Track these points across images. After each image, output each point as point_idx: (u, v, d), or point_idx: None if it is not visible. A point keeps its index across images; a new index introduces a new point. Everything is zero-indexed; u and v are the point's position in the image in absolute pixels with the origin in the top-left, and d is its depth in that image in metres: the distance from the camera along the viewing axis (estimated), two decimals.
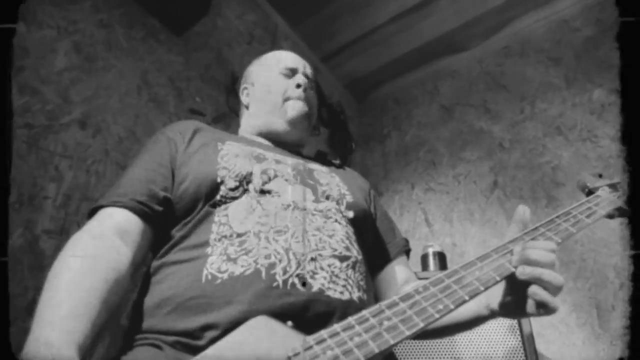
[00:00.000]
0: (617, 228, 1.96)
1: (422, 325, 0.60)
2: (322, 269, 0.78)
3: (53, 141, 1.32)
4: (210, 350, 0.59)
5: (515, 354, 1.40)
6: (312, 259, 0.78)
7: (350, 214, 0.96)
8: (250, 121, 1.21)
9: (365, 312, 0.61)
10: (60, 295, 0.67)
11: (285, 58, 1.24)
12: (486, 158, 2.57)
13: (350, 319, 0.60)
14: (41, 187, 1.25)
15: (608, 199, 0.95)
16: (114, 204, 0.85)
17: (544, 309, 0.71)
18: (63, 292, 0.68)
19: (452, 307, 0.64)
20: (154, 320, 0.76)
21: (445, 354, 1.40)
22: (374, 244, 1.07)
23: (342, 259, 0.82)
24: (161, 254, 0.86)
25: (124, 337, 0.82)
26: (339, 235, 0.86)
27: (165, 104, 1.74)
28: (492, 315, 0.83)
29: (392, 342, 0.57)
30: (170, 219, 0.89)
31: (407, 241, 1.15)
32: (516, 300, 0.76)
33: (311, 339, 0.57)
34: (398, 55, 2.97)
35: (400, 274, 1.06)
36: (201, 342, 0.68)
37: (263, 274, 0.73)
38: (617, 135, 2.15)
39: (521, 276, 0.71)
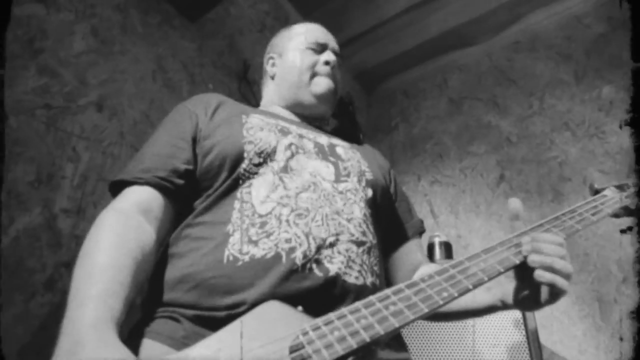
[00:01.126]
0: (622, 223, 1.98)
1: (426, 310, 0.63)
2: (339, 253, 0.79)
3: (71, 122, 1.35)
4: (222, 332, 0.62)
5: (519, 346, 1.43)
6: (331, 244, 0.79)
7: (370, 192, 0.98)
8: (275, 92, 1.20)
9: (372, 297, 0.64)
10: (95, 274, 0.68)
11: (316, 32, 1.23)
12: (493, 152, 2.59)
13: (358, 303, 0.63)
14: (59, 166, 1.28)
15: (614, 198, 0.97)
16: (137, 181, 0.86)
17: (554, 291, 0.75)
18: (97, 271, 0.69)
19: (456, 295, 0.67)
20: (174, 294, 0.78)
21: (451, 340, 1.43)
22: (391, 223, 1.08)
23: (359, 244, 0.84)
24: (183, 225, 0.88)
25: (143, 307, 0.84)
26: (357, 219, 0.88)
27: (178, 90, 1.76)
28: (505, 307, 0.86)
29: (397, 325, 0.60)
30: (192, 191, 0.91)
31: (422, 222, 1.16)
32: (529, 293, 0.79)
33: (320, 320, 0.61)
34: (407, 48, 2.98)
35: (414, 255, 1.09)
36: (222, 314, 0.71)
37: (283, 258, 0.75)
38: (626, 131, 2.16)
39: (532, 264, 0.74)
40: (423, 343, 1.44)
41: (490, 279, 0.71)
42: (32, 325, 1.10)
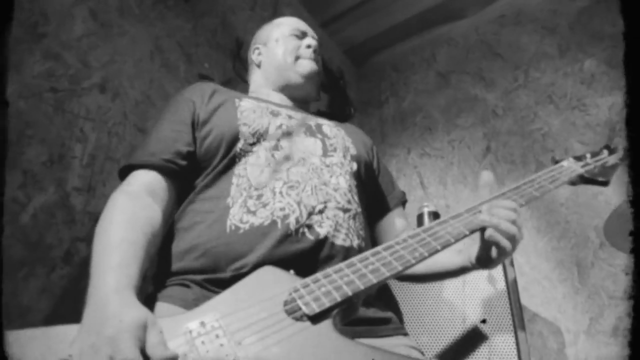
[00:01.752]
0: (599, 192, 2.09)
1: (400, 268, 0.74)
2: (327, 218, 0.90)
3: (77, 104, 1.40)
4: (226, 293, 0.72)
5: (502, 309, 1.53)
6: (320, 211, 0.90)
7: (354, 166, 1.08)
8: (262, 77, 1.30)
9: (353, 259, 0.75)
10: (112, 248, 0.77)
11: (297, 22, 1.36)
12: (480, 125, 2.68)
13: (341, 264, 0.75)
14: (69, 147, 1.34)
15: (570, 167, 1.08)
16: (144, 165, 0.96)
17: (499, 250, 0.86)
18: (113, 245, 0.77)
19: (426, 254, 0.77)
20: (183, 263, 0.88)
21: (434, 298, 1.54)
22: (375, 195, 1.19)
23: (345, 210, 0.95)
24: (187, 202, 0.98)
25: (154, 280, 0.94)
26: (343, 189, 0.98)
27: (176, 69, 1.81)
28: (474, 267, 0.97)
29: (374, 280, 0.71)
30: (194, 170, 1.01)
31: (404, 194, 1.28)
32: (484, 252, 0.90)
33: (308, 279, 0.73)
34: (397, 22, 3.01)
35: (398, 223, 1.20)
36: (227, 275, 0.82)
37: (279, 224, 0.86)
38: (605, 104, 2.26)
39: (483, 223, 0.85)
40: (415, 305, 1.56)
41: (456, 240, 0.81)
42: (55, 295, 1.19)
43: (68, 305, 1.20)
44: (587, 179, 1.08)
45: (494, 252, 0.88)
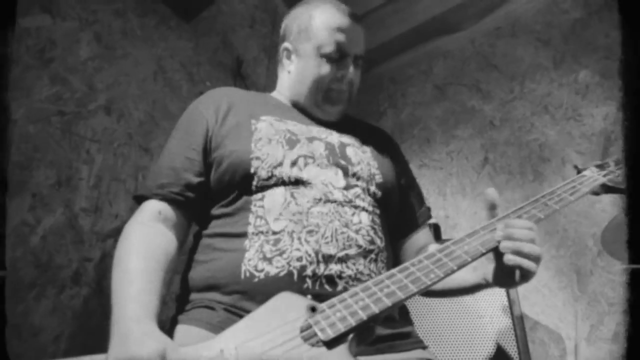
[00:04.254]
0: (597, 200, 2.13)
1: (415, 290, 0.74)
2: (348, 267, 0.87)
3: (83, 127, 1.44)
4: (244, 320, 0.73)
5: (504, 320, 1.56)
6: (340, 260, 0.87)
7: (379, 194, 1.03)
8: (289, 89, 1.18)
9: (369, 283, 0.76)
10: (130, 277, 0.79)
11: (336, 34, 1.11)
12: (477, 136, 2.71)
13: (356, 288, 0.75)
14: (76, 169, 1.38)
15: (592, 177, 1.04)
16: (154, 197, 0.97)
17: (523, 273, 0.83)
18: (132, 274, 0.80)
19: (442, 275, 0.76)
20: (203, 294, 0.89)
21: (444, 312, 1.56)
22: (401, 213, 1.13)
23: (366, 255, 0.92)
24: (204, 233, 0.97)
25: (177, 302, 0.95)
26: (365, 229, 0.95)
27: (179, 89, 1.85)
28: (488, 285, 0.95)
29: (389, 304, 0.71)
30: (207, 198, 1.00)
31: (429, 209, 1.22)
32: (504, 273, 0.87)
33: (324, 304, 0.73)
34: (394, 36, 3.05)
35: (422, 242, 1.16)
36: (245, 313, 0.80)
37: (295, 276, 0.84)
38: (600, 114, 2.30)
39: (504, 250, 0.83)
40: (426, 318, 1.58)
41: (473, 259, 0.80)
42: (65, 315, 1.22)
43: (77, 325, 1.23)
44: (609, 188, 1.04)
45: (517, 275, 0.85)
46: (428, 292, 0.90)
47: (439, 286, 0.96)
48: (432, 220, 1.97)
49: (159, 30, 1.87)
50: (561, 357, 2.06)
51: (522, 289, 2.13)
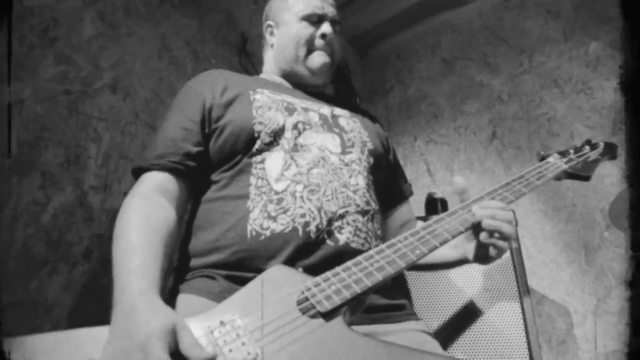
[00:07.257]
0: (606, 175, 2.11)
1: (403, 265, 0.79)
2: (347, 224, 0.92)
3: (90, 105, 1.45)
4: (240, 292, 0.75)
5: (509, 288, 1.57)
6: (340, 216, 0.92)
7: (371, 160, 1.09)
8: (275, 61, 1.25)
9: (360, 257, 0.80)
10: (131, 251, 0.79)
11: (313, 1, 1.21)
12: (485, 110, 2.69)
13: (348, 263, 0.79)
14: (84, 147, 1.39)
15: (556, 164, 1.12)
16: (153, 167, 0.96)
17: (496, 249, 0.93)
18: (132, 248, 0.79)
19: (426, 251, 0.82)
20: (205, 260, 0.90)
21: (444, 285, 1.58)
22: (387, 186, 1.20)
23: (364, 213, 0.97)
24: (204, 199, 0.99)
25: (176, 273, 0.97)
26: (362, 190, 0.99)
27: (184, 67, 1.85)
28: (468, 261, 1.03)
29: (380, 278, 0.75)
30: (207, 168, 1.01)
31: (411, 185, 1.33)
32: (481, 250, 0.96)
33: (319, 278, 0.76)
34: (400, 10, 3.02)
35: (405, 214, 1.26)
36: (249, 275, 0.82)
37: (300, 232, 0.87)
38: (610, 87, 2.26)
39: (487, 227, 0.90)
40: (425, 291, 1.60)
41: (453, 237, 0.87)
42: (77, 291, 1.24)
43: (90, 300, 1.26)
44: (570, 174, 1.12)
45: (492, 251, 0.94)
46: (415, 266, 0.96)
47: (424, 261, 1.02)
48: (438, 195, 1.98)
49: (163, 8, 1.85)
50: (568, 330, 2.07)
51: (529, 264, 2.14)
